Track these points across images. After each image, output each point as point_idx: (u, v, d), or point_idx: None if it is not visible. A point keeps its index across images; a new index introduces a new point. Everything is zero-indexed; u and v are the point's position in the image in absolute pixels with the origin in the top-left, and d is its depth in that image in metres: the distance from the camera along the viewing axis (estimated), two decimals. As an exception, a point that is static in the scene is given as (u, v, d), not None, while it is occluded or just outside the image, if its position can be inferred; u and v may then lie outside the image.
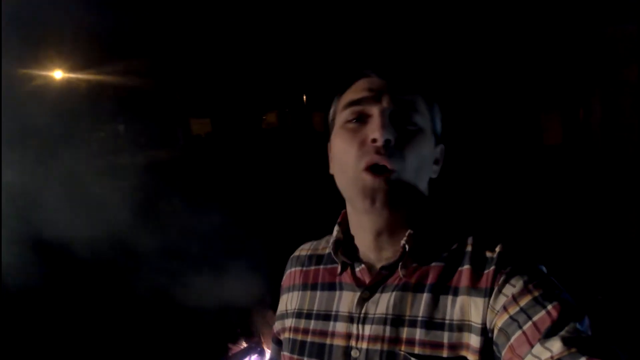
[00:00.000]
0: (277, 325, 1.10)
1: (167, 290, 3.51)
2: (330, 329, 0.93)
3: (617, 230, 5.63)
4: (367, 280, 0.93)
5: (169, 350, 3.68)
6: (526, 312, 0.73)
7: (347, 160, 0.88)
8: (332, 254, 0.99)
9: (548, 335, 0.69)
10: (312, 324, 0.97)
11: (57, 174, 3.84)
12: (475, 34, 6.88)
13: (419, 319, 0.83)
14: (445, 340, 0.80)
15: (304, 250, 1.12)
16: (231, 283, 3.37)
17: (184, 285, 3.49)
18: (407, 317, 0.84)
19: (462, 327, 0.80)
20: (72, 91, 7.24)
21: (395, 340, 0.84)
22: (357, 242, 0.97)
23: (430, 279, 0.86)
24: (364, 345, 0.87)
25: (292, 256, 1.14)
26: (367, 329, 0.87)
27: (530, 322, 0.72)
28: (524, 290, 0.76)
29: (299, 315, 1.01)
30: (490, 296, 0.79)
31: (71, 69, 7.16)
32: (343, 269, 0.98)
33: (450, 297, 0.83)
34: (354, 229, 0.98)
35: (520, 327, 0.73)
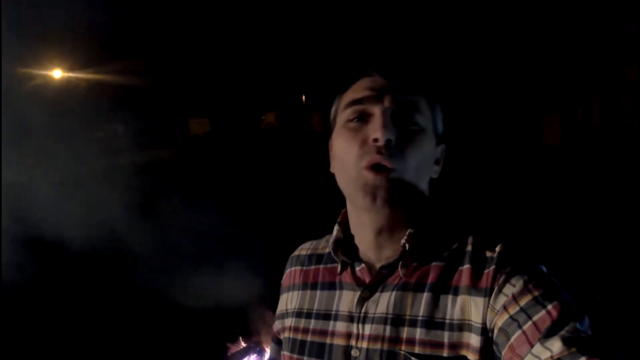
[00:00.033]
0: (277, 325, 1.10)
1: (166, 290, 3.51)
2: (331, 328, 0.93)
3: (616, 231, 5.64)
4: (367, 279, 0.93)
5: (168, 350, 3.68)
6: (526, 312, 0.73)
7: (348, 159, 0.88)
8: (332, 253, 0.99)
9: (548, 335, 0.69)
10: (312, 324, 0.97)
11: (55, 173, 3.84)
12: (476, 34, 6.88)
13: (419, 318, 0.83)
14: (446, 340, 0.80)
15: (304, 249, 1.12)
16: (230, 283, 3.37)
17: (183, 285, 3.49)
18: (407, 317, 0.84)
19: (462, 326, 0.80)
20: (71, 90, 7.23)
21: (396, 339, 0.84)
22: (357, 241, 0.97)
23: (430, 279, 0.86)
24: (364, 345, 0.87)
25: (292, 255, 1.14)
26: (367, 329, 0.87)
27: (530, 322, 0.72)
28: (524, 290, 0.76)
29: (299, 314, 1.01)
30: (490, 296, 0.79)
31: (70, 68, 7.15)
32: (343, 269, 0.98)
33: (450, 297, 0.83)
34: (354, 228, 0.98)
35: (520, 326, 0.73)
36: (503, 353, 0.73)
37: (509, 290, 0.78)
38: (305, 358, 0.94)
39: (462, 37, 6.82)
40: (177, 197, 4.63)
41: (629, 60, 6.20)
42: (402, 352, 0.82)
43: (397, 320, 0.85)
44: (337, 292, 0.96)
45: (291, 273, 1.10)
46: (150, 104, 9.11)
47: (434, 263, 0.88)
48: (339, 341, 0.91)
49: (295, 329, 0.99)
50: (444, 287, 0.85)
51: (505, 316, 0.75)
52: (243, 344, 3.20)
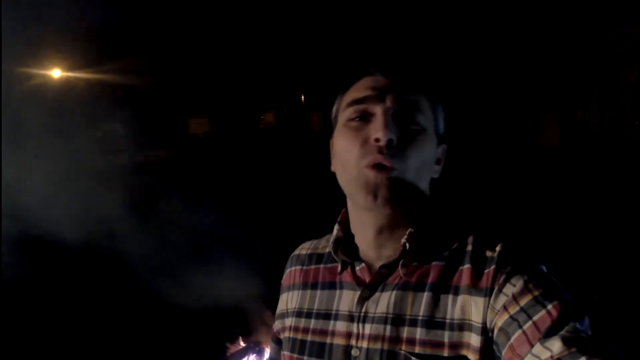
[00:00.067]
0: (277, 325, 1.10)
1: (164, 290, 3.51)
2: (331, 328, 0.93)
3: (614, 231, 5.64)
4: (367, 279, 0.93)
5: (167, 350, 3.68)
6: (526, 312, 0.74)
7: (349, 158, 0.88)
8: (332, 252, 0.99)
9: (548, 334, 0.69)
10: (312, 323, 0.97)
11: (54, 172, 3.83)
12: (476, 35, 6.89)
13: (420, 318, 0.83)
14: (446, 340, 0.80)
15: (304, 249, 1.12)
16: (229, 283, 3.37)
17: (182, 285, 3.48)
18: (407, 316, 0.85)
19: (462, 326, 0.80)
20: (70, 90, 7.23)
21: (396, 339, 0.84)
22: (358, 240, 0.97)
23: (430, 278, 0.86)
24: (364, 345, 0.87)
25: (292, 255, 1.14)
26: (368, 328, 0.88)
27: (530, 322, 0.72)
28: (524, 290, 0.76)
29: (299, 314, 1.01)
30: (490, 295, 0.79)
31: (69, 67, 7.15)
32: (343, 268, 0.98)
33: (450, 296, 0.83)
34: (354, 227, 0.98)
35: (520, 326, 0.73)
36: (503, 353, 0.74)
37: (509, 290, 0.78)
38: (305, 358, 0.94)
39: (462, 38, 6.82)
40: (176, 196, 4.62)
41: (628, 61, 6.21)
42: (403, 351, 0.82)
43: (397, 319, 0.85)
44: (337, 291, 0.96)
45: (291, 273, 1.10)
46: (149, 103, 9.11)
47: (434, 262, 0.88)
48: (339, 341, 0.91)
49: (296, 329, 1.00)
50: (445, 286, 0.85)
51: (506, 316, 0.75)
52: (242, 344, 3.20)
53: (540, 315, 0.72)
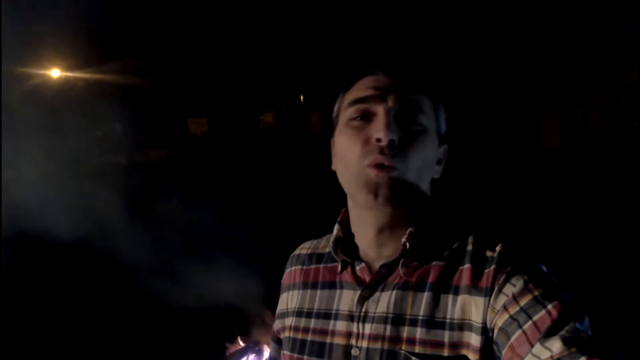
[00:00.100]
0: (277, 324, 1.10)
1: (164, 290, 3.51)
2: (331, 327, 0.93)
3: (614, 231, 5.65)
4: (367, 278, 0.93)
5: (166, 349, 3.68)
6: (526, 312, 0.74)
7: (350, 157, 0.88)
8: (332, 252, 0.99)
9: (548, 334, 0.69)
10: (313, 323, 0.97)
11: (53, 171, 3.83)
12: (476, 35, 6.90)
13: (420, 317, 0.83)
14: (446, 339, 0.80)
15: (304, 248, 1.12)
16: (228, 282, 3.37)
17: (181, 285, 3.48)
18: (407, 316, 0.85)
19: (462, 326, 0.80)
20: (70, 90, 7.23)
21: (396, 339, 0.84)
22: (358, 239, 0.97)
23: (431, 278, 0.86)
24: (364, 344, 0.87)
25: (292, 255, 1.14)
26: (368, 328, 0.87)
27: (530, 322, 0.72)
28: (524, 290, 0.76)
29: (299, 314, 1.01)
30: (490, 295, 0.79)
31: (69, 67, 7.15)
32: (343, 268, 0.98)
33: (451, 296, 0.83)
34: (355, 226, 0.98)
35: (520, 326, 0.73)
36: (503, 353, 0.74)
37: (509, 290, 0.78)
38: (305, 357, 0.94)
39: (463, 38, 6.83)
40: (175, 196, 4.63)
41: (628, 61, 6.22)
42: (403, 351, 0.82)
43: (397, 319, 0.85)
44: (338, 291, 0.96)
45: (291, 272, 1.10)
46: (149, 103, 9.11)
47: (434, 262, 0.88)
48: (339, 340, 0.91)
49: (296, 328, 1.00)
50: (445, 286, 0.85)
51: (506, 316, 0.75)
52: (241, 344, 3.20)
53: (540, 315, 0.72)
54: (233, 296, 3.30)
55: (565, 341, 0.67)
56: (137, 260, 3.65)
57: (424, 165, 0.89)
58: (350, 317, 0.91)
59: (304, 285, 1.04)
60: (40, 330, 3.81)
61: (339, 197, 1.03)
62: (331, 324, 0.93)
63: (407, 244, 0.88)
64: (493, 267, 0.81)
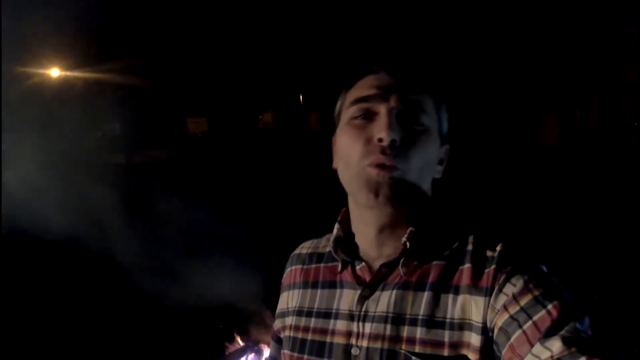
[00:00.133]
0: (277, 324, 1.10)
1: (163, 289, 3.51)
2: (331, 327, 0.93)
3: (613, 231, 5.65)
4: (367, 278, 0.93)
5: (166, 349, 3.68)
6: (526, 312, 0.74)
7: (351, 156, 0.88)
8: (333, 252, 0.99)
9: (548, 334, 0.69)
10: (313, 322, 0.97)
11: (52, 171, 3.83)
12: (476, 35, 6.90)
13: (420, 317, 0.83)
14: (446, 339, 0.80)
15: (305, 248, 1.12)
16: (228, 282, 3.37)
17: (180, 284, 3.48)
18: (407, 316, 0.84)
19: (462, 325, 0.80)
20: (69, 89, 7.23)
21: (396, 338, 0.84)
22: (358, 238, 0.97)
23: (431, 278, 0.86)
24: (364, 344, 0.87)
25: (292, 254, 1.14)
26: (368, 327, 0.87)
27: (530, 322, 0.72)
28: (525, 290, 0.76)
29: (299, 313, 1.01)
30: (490, 295, 0.79)
31: (68, 67, 7.15)
32: (343, 267, 0.98)
33: (451, 296, 0.83)
34: (355, 225, 0.98)
35: (520, 326, 0.73)
36: (503, 353, 0.74)
37: (509, 289, 0.78)
38: (305, 357, 0.94)
39: (464, 38, 6.84)
40: (175, 195, 4.63)
41: (627, 62, 6.22)
42: (403, 351, 0.82)
43: (397, 319, 0.85)
44: (338, 290, 0.96)
45: (292, 272, 1.10)
46: (148, 102, 9.11)
47: (434, 262, 0.88)
48: (339, 340, 0.91)
49: (296, 328, 1.00)
50: (445, 286, 0.85)
51: (506, 316, 0.75)
52: (241, 343, 3.20)
53: (540, 315, 0.72)
54: (232, 296, 3.30)
55: (565, 341, 0.67)
56: (137, 260, 3.65)
57: (426, 165, 0.89)
58: (351, 317, 0.91)
59: (305, 285, 1.04)
60: (40, 330, 3.80)
61: (339, 197, 1.03)
62: (331, 323, 0.93)
63: (408, 244, 0.88)
64: (493, 266, 0.81)
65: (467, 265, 0.84)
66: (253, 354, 3.03)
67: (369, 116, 0.89)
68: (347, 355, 0.88)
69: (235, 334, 3.25)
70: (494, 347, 0.77)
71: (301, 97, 11.82)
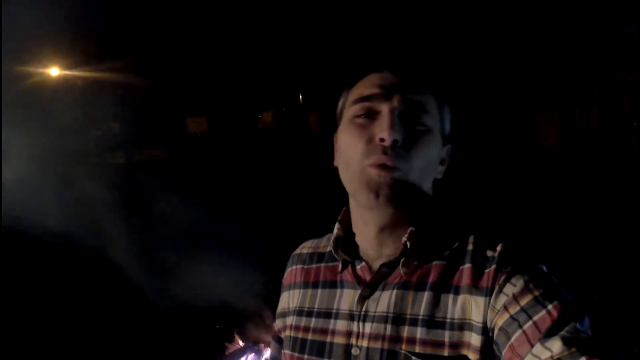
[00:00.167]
0: (278, 323, 1.10)
1: (163, 289, 3.51)
2: (331, 327, 0.93)
3: (613, 231, 5.65)
4: (367, 277, 0.93)
5: (166, 349, 3.67)
6: (526, 312, 0.74)
7: (352, 155, 0.88)
8: (333, 251, 0.99)
9: (548, 334, 0.69)
10: (313, 322, 0.97)
11: (51, 169, 3.83)
12: (476, 36, 6.90)
13: (420, 317, 0.83)
14: (446, 339, 0.80)
15: (306, 248, 1.12)
16: (228, 281, 3.37)
17: (180, 284, 3.48)
18: (408, 316, 0.84)
19: (463, 325, 0.80)
20: (68, 89, 7.22)
21: (396, 338, 0.84)
22: (359, 238, 0.97)
23: (431, 278, 0.86)
24: (365, 344, 0.86)
25: (293, 254, 1.14)
26: (368, 327, 0.87)
27: (530, 322, 0.72)
28: (525, 290, 0.76)
29: (299, 313, 1.01)
30: (491, 295, 0.79)
31: (67, 66, 7.14)
32: (344, 267, 0.98)
33: (451, 296, 0.83)
34: (356, 225, 0.98)
35: (520, 326, 0.73)
36: (503, 353, 0.74)
37: (509, 289, 0.78)
38: (305, 357, 0.94)
39: (465, 38, 6.83)
40: (175, 195, 4.63)
41: (626, 62, 6.21)
42: (403, 351, 0.82)
43: (397, 319, 0.85)
44: (338, 290, 0.96)
45: (292, 271, 1.10)
46: (148, 102, 9.10)
47: (435, 262, 0.88)
48: (339, 340, 0.90)
49: (296, 328, 0.99)
50: (445, 286, 0.85)
51: (506, 316, 0.75)
52: (241, 343, 3.20)
53: (540, 315, 0.72)
54: (232, 296, 3.30)
55: (566, 341, 0.67)
56: (137, 260, 3.65)
57: (427, 165, 0.89)
58: (351, 317, 0.91)
59: (305, 285, 1.04)
60: (39, 330, 3.80)
61: (339, 196, 1.03)
62: (331, 323, 0.93)
63: (408, 244, 0.88)
64: (494, 266, 0.81)
65: (467, 265, 0.84)
66: (253, 354, 3.04)
67: (371, 115, 0.89)
68: (347, 355, 0.88)
69: (235, 334, 3.25)
70: (494, 347, 0.77)
71: (301, 96, 11.81)
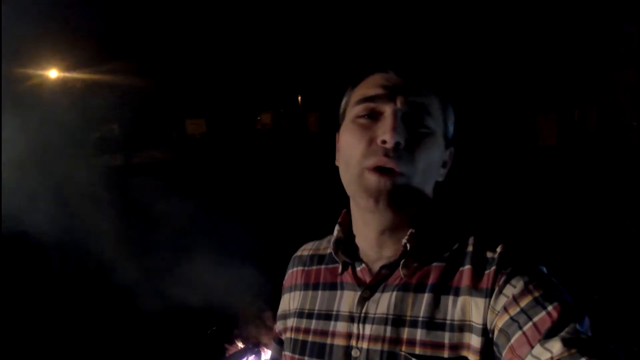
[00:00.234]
0: (278, 325, 1.10)
1: (162, 291, 3.50)
2: (331, 328, 0.93)
3: (612, 231, 5.65)
4: (367, 279, 0.93)
5: (166, 350, 3.67)
6: (526, 313, 0.74)
7: (353, 155, 0.88)
8: (333, 253, 0.99)
9: (548, 336, 0.69)
10: (313, 324, 0.97)
11: (50, 172, 3.83)
12: (476, 36, 6.89)
13: (420, 319, 0.83)
14: (446, 341, 0.80)
15: (306, 250, 1.12)
16: (227, 284, 3.37)
17: (179, 286, 3.48)
18: (408, 317, 0.84)
19: (463, 327, 0.80)
20: (67, 90, 7.22)
21: (396, 340, 0.84)
22: (359, 240, 0.97)
23: (431, 279, 0.86)
24: (365, 345, 0.86)
25: (294, 256, 1.14)
26: (368, 329, 0.87)
27: (530, 323, 0.72)
28: (525, 291, 0.76)
29: (300, 315, 1.01)
30: (491, 296, 0.79)
31: (66, 68, 7.14)
32: (344, 269, 0.98)
33: (451, 297, 0.83)
34: (356, 226, 0.97)
35: (520, 327, 0.73)
36: (503, 354, 0.74)
37: (509, 291, 0.78)
38: (306, 358, 0.94)
39: (466, 38, 6.83)
40: (174, 196, 4.62)
41: (625, 63, 6.21)
42: (403, 352, 0.82)
43: (397, 320, 0.85)
44: (338, 292, 0.96)
45: (293, 273, 1.10)
46: (146, 104, 9.10)
47: (434, 263, 0.88)
48: (339, 341, 0.90)
49: (297, 329, 0.99)
50: (445, 287, 0.85)
51: (506, 317, 0.75)
52: (241, 345, 3.20)
53: (540, 316, 0.72)
54: (232, 298, 3.30)
55: (566, 342, 0.67)
56: (136, 262, 3.65)
57: (430, 168, 0.89)
58: (351, 318, 0.91)
59: (305, 287, 1.04)
60: (36, 332, 3.80)
61: (339, 198, 1.03)
62: (332, 325, 0.93)
63: (408, 245, 0.88)
64: (493, 268, 0.81)
65: (467, 267, 0.84)
66: (253, 356, 3.04)
67: (374, 116, 0.89)
68: (347, 357, 0.88)
69: (234, 336, 3.25)
70: (494, 348, 0.77)
71: (300, 97, 11.81)
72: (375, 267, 0.93)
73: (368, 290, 0.91)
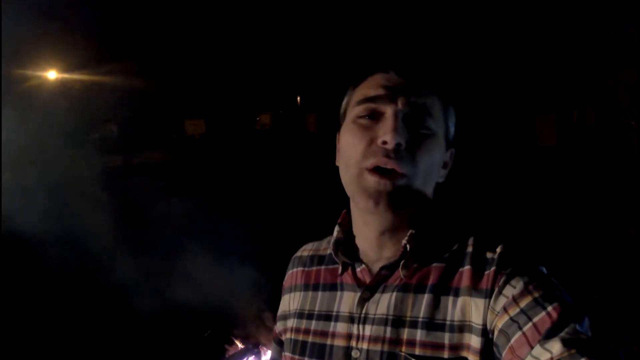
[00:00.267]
0: (278, 326, 1.10)
1: (162, 292, 3.50)
2: (331, 329, 0.93)
3: (612, 231, 5.65)
4: (367, 280, 0.93)
5: (166, 351, 3.67)
6: (526, 313, 0.74)
7: (352, 155, 0.88)
8: (333, 254, 0.99)
9: (548, 336, 0.69)
10: (313, 325, 0.96)
11: (50, 173, 3.83)
12: (475, 36, 6.89)
13: (420, 319, 0.83)
14: (446, 341, 0.80)
15: (306, 250, 1.12)
16: (226, 284, 3.37)
17: (179, 287, 3.48)
18: (407, 318, 0.84)
19: (462, 328, 0.80)
20: (66, 91, 7.22)
21: (396, 341, 0.84)
22: (359, 240, 0.97)
23: (431, 280, 0.86)
24: (365, 346, 0.86)
25: (294, 256, 1.14)
26: (368, 330, 0.87)
27: (530, 323, 0.72)
28: (524, 292, 0.76)
29: (300, 315, 1.01)
30: (490, 297, 0.79)
31: (65, 69, 7.14)
32: (344, 270, 0.97)
33: (451, 298, 0.83)
34: (356, 227, 0.97)
35: (520, 328, 0.73)
36: (503, 354, 0.74)
37: (509, 291, 0.78)
38: (306, 359, 0.94)
39: (467, 38, 6.83)
40: (173, 197, 4.63)
41: (624, 63, 6.21)
42: (403, 353, 0.82)
43: (397, 321, 0.85)
44: (338, 293, 0.96)
45: (293, 274, 1.10)
46: (146, 105, 9.10)
47: (434, 264, 0.88)
48: (339, 342, 0.90)
49: (297, 330, 0.99)
50: (445, 288, 0.84)
51: (506, 317, 0.75)
52: (240, 346, 3.20)
53: (540, 316, 0.72)
54: (232, 298, 3.30)
55: (565, 343, 0.67)
56: (136, 262, 3.65)
57: (430, 170, 0.89)
58: (351, 319, 0.91)
59: (305, 287, 1.04)
60: (37, 332, 3.80)
61: (339, 198, 1.03)
62: (332, 326, 0.93)
63: (408, 246, 0.88)
64: (493, 268, 0.81)
65: (467, 267, 0.84)
66: (253, 356, 3.04)
67: (374, 117, 0.88)
68: (347, 358, 0.88)
69: (234, 337, 3.25)
70: (494, 349, 0.77)
71: (298, 98, 11.81)
72: (375, 267, 0.93)
73: (368, 291, 0.91)
